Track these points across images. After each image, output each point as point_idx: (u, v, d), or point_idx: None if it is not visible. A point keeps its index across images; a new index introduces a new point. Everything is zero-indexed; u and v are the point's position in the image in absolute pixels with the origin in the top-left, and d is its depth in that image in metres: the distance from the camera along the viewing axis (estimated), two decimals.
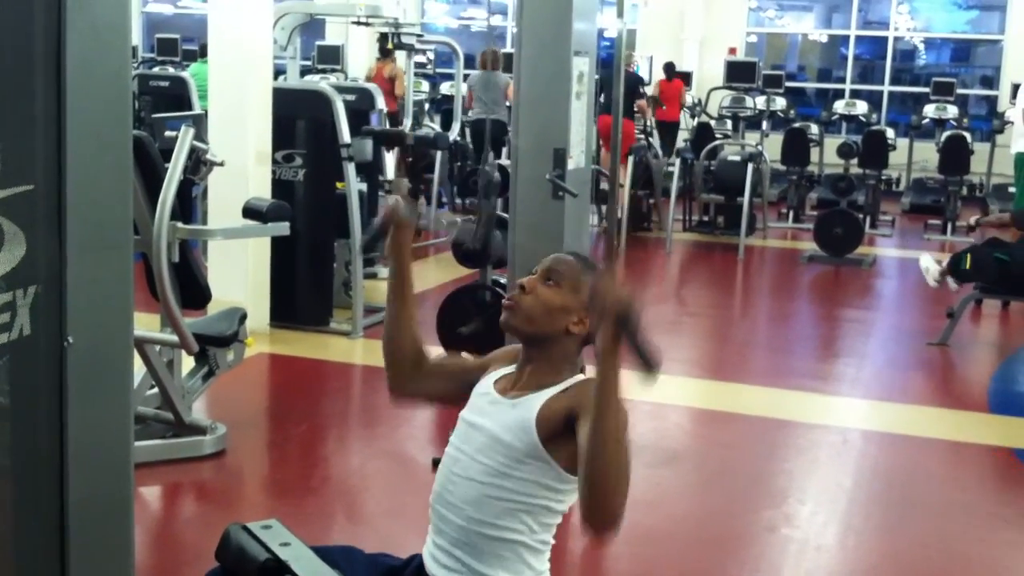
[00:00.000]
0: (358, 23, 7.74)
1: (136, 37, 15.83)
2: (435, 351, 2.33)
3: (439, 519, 2.06)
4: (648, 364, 1.69)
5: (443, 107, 11.99)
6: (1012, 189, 9.84)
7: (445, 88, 12.60)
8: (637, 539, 3.80)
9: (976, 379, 6.20)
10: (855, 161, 10.52)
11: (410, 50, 8.26)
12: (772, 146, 11.56)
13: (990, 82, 15.79)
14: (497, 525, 1.99)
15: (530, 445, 1.98)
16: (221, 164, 4.39)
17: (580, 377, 2.09)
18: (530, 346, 2.10)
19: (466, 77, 10.32)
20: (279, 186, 6.09)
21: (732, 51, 15.35)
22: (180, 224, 4.11)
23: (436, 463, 4.05)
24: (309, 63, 12.29)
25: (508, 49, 12.11)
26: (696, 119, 13.28)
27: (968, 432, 5.19)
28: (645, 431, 4.78)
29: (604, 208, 8.78)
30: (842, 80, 16.31)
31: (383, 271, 7.48)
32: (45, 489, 1.89)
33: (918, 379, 6.03)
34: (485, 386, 2.15)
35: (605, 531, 1.76)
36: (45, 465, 1.88)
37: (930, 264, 6.56)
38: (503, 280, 5.11)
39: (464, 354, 2.39)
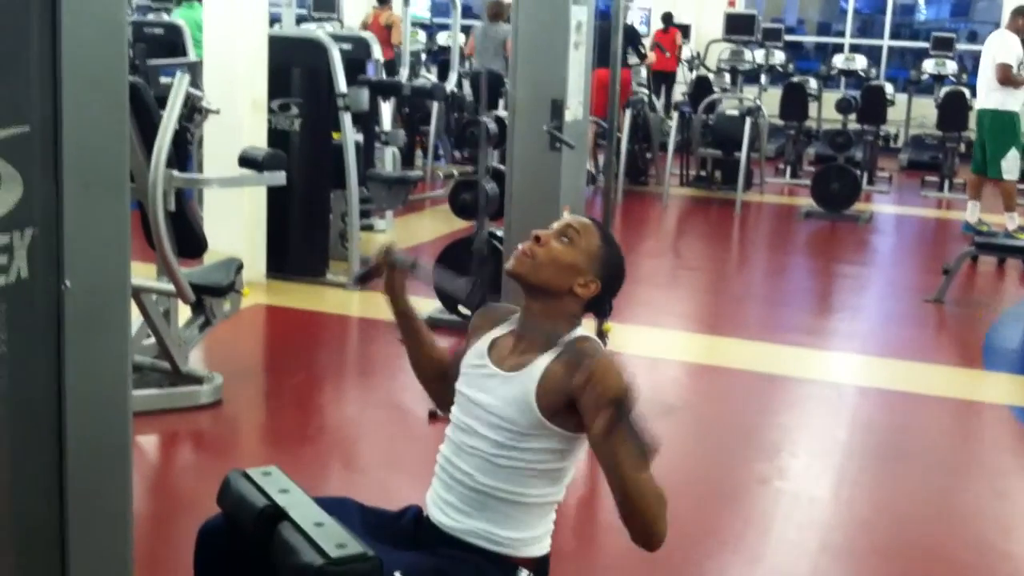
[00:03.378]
0: None
1: None
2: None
3: (450, 478, 2.08)
4: (643, 452, 1.76)
5: (440, 58, 11.90)
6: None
7: (442, 39, 12.50)
8: None
9: (971, 336, 6.21)
10: (853, 116, 10.48)
11: None
12: (770, 101, 11.48)
13: None
14: (511, 491, 2.03)
15: (533, 419, 2.01)
16: (216, 112, 4.37)
17: (577, 333, 2.08)
18: (533, 298, 2.10)
19: (464, 29, 10.21)
20: (275, 135, 6.05)
21: (731, 3, 15.23)
22: (176, 172, 4.08)
23: (432, 415, 4.08)
24: (305, 11, 12.18)
25: None
26: (694, 72, 13.18)
27: (962, 388, 5.22)
28: (640, 385, 4.78)
29: (600, 161, 8.76)
30: (841, 34, 16.19)
31: (379, 223, 7.45)
32: (44, 434, 1.88)
33: (913, 335, 6.04)
34: (478, 355, 2.14)
35: (655, 549, 1.88)
36: (43, 410, 1.87)
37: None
38: (499, 232, 5.10)
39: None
